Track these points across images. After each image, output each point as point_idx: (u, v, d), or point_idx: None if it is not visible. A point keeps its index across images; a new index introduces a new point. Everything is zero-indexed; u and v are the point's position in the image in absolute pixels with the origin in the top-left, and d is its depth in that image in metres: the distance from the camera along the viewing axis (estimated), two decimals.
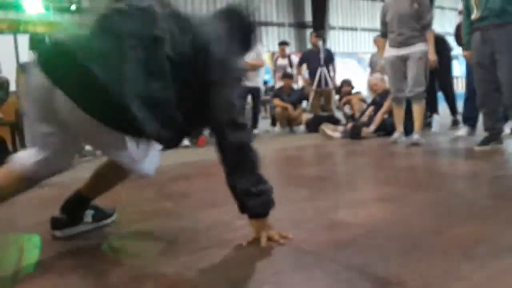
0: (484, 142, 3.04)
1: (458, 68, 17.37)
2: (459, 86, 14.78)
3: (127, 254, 1.36)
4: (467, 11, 3.07)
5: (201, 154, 3.95)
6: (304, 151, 3.90)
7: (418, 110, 3.64)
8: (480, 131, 3.74)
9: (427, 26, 3.54)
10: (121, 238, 1.53)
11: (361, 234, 1.37)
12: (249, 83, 5.68)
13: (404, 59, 3.59)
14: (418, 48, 3.52)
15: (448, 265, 1.07)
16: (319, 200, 1.86)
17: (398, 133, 3.79)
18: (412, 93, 3.58)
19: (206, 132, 5.21)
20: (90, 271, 1.20)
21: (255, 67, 5.73)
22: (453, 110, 4.93)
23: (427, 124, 4.86)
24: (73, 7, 9.49)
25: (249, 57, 5.62)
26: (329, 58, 6.13)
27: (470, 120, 3.98)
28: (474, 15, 2.97)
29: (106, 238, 1.51)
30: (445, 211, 1.58)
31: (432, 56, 3.57)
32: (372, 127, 4.40)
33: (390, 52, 3.67)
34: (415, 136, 3.55)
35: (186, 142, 4.62)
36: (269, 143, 4.60)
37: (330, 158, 3.48)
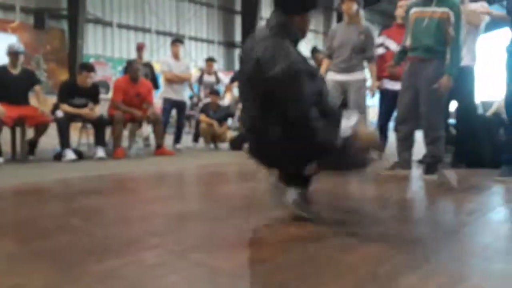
0: (392, 167, 3.26)
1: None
2: (370, 115, 16.09)
3: (22, 275, 1.20)
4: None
5: (117, 166, 3.74)
6: (227, 168, 3.89)
7: None
8: (387, 156, 4.06)
9: (371, 58, 3.72)
10: (16, 257, 1.35)
11: (278, 252, 1.37)
12: (174, 97, 5.55)
13: (343, 85, 3.72)
14: (358, 76, 3.67)
15: (356, 283, 1.11)
16: (239, 218, 1.84)
17: None
18: None
19: (125, 143, 4.88)
20: None
21: (183, 80, 5.63)
22: None
23: None
24: None
25: (178, 69, 5.52)
26: None
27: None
28: (407, 42, 3.15)
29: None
30: (355, 231, 1.65)
31: (375, 87, 3.85)
32: None
33: (331, 75, 3.78)
34: None
35: (101, 153, 4.32)
36: (191, 159, 4.51)
37: (252, 176, 3.50)
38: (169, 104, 5.48)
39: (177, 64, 5.52)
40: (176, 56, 5.59)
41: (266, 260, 1.30)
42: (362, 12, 3.71)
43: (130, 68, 4.90)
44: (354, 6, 3.61)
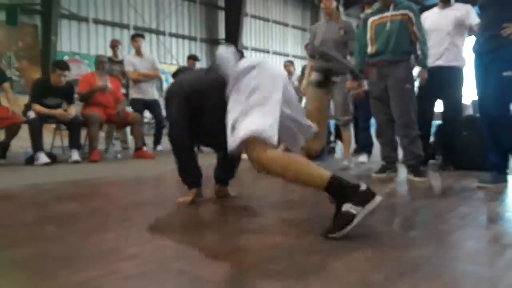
0: (381, 170, 3.26)
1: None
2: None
3: None
4: (360, 44, 3.28)
5: (93, 171, 3.61)
6: (209, 171, 3.79)
7: (346, 136, 3.81)
8: (376, 158, 4.05)
9: (352, 53, 3.64)
10: None
11: (264, 260, 1.32)
12: (143, 96, 5.36)
13: None
14: (343, 76, 3.61)
15: None
16: (222, 225, 1.78)
17: None
18: (341, 121, 3.71)
19: (101, 146, 4.77)
20: None
21: (149, 78, 5.44)
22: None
23: (330, 150, 5.15)
24: None
25: (143, 67, 5.34)
26: None
27: (367, 147, 4.31)
28: (370, 49, 3.20)
29: None
30: (345, 237, 1.60)
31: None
32: (281, 146, 4.48)
33: (315, 76, 3.72)
34: (345, 162, 3.70)
35: (76, 156, 4.17)
36: (172, 162, 4.40)
37: (236, 180, 3.42)
38: (139, 105, 5.27)
39: (141, 61, 5.32)
40: (138, 52, 5.38)
41: (251, 268, 1.24)
42: (341, 9, 3.71)
43: (96, 60, 4.92)
44: (333, 3, 3.61)
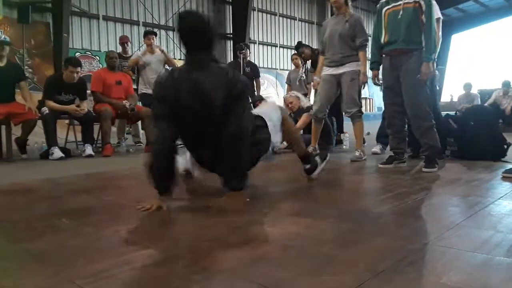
0: (388, 160, 3.23)
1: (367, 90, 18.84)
2: (368, 107, 16.06)
3: (10, 277, 1.15)
4: (375, 34, 3.22)
5: (106, 164, 3.66)
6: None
7: (357, 128, 3.75)
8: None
9: (360, 46, 3.60)
10: (4, 259, 1.30)
11: (275, 249, 1.34)
12: (151, 91, 5.38)
13: (336, 78, 3.66)
14: (350, 68, 3.59)
15: (355, 280, 1.08)
16: (233, 217, 1.80)
17: (311, 147, 3.92)
18: (349, 113, 3.69)
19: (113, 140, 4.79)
20: None
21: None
22: None
23: (338, 142, 5.12)
24: None
25: (153, 64, 5.35)
26: (253, 73, 5.98)
27: (383, 138, 4.24)
28: (383, 38, 3.14)
29: None
30: (354, 226, 1.62)
31: (364, 76, 3.61)
32: (284, 142, 4.48)
33: (325, 71, 3.73)
34: (356, 153, 3.67)
35: (89, 150, 4.22)
36: (183, 155, 4.43)
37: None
38: (148, 99, 5.26)
39: (151, 58, 5.34)
40: (150, 50, 5.39)
41: (263, 258, 1.26)
42: (350, 3, 3.66)
43: (107, 57, 4.90)
44: None
